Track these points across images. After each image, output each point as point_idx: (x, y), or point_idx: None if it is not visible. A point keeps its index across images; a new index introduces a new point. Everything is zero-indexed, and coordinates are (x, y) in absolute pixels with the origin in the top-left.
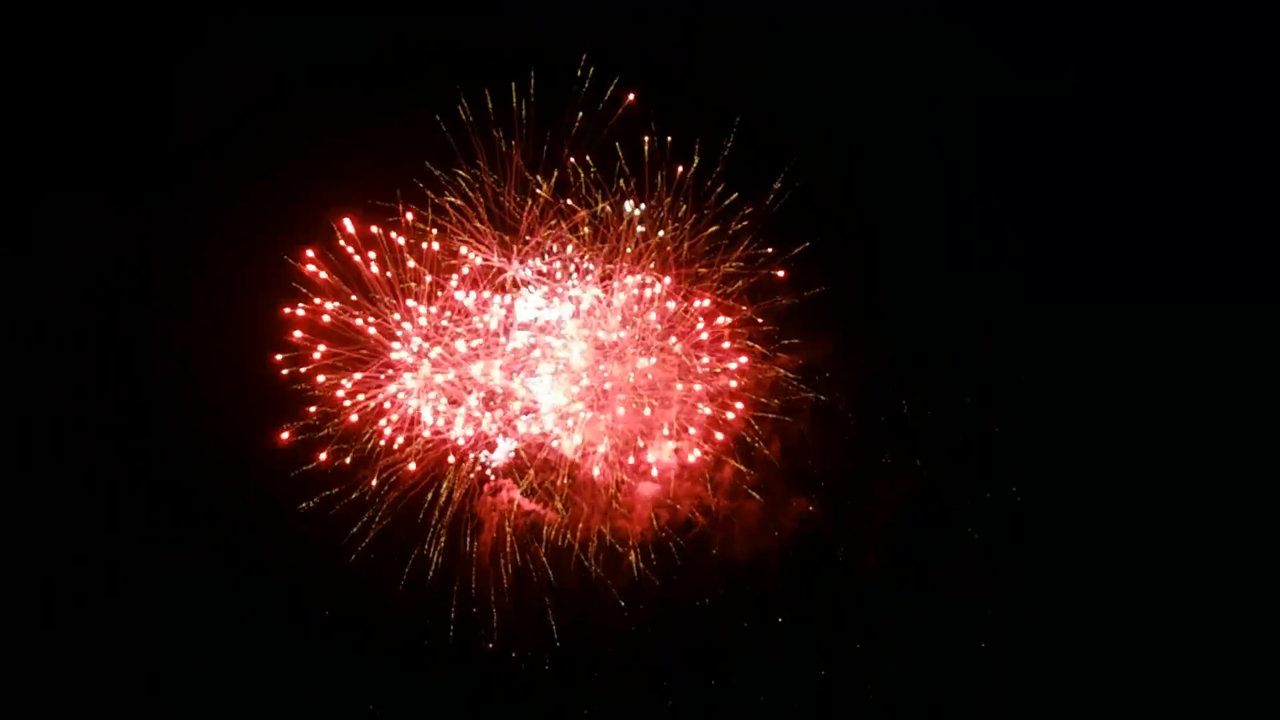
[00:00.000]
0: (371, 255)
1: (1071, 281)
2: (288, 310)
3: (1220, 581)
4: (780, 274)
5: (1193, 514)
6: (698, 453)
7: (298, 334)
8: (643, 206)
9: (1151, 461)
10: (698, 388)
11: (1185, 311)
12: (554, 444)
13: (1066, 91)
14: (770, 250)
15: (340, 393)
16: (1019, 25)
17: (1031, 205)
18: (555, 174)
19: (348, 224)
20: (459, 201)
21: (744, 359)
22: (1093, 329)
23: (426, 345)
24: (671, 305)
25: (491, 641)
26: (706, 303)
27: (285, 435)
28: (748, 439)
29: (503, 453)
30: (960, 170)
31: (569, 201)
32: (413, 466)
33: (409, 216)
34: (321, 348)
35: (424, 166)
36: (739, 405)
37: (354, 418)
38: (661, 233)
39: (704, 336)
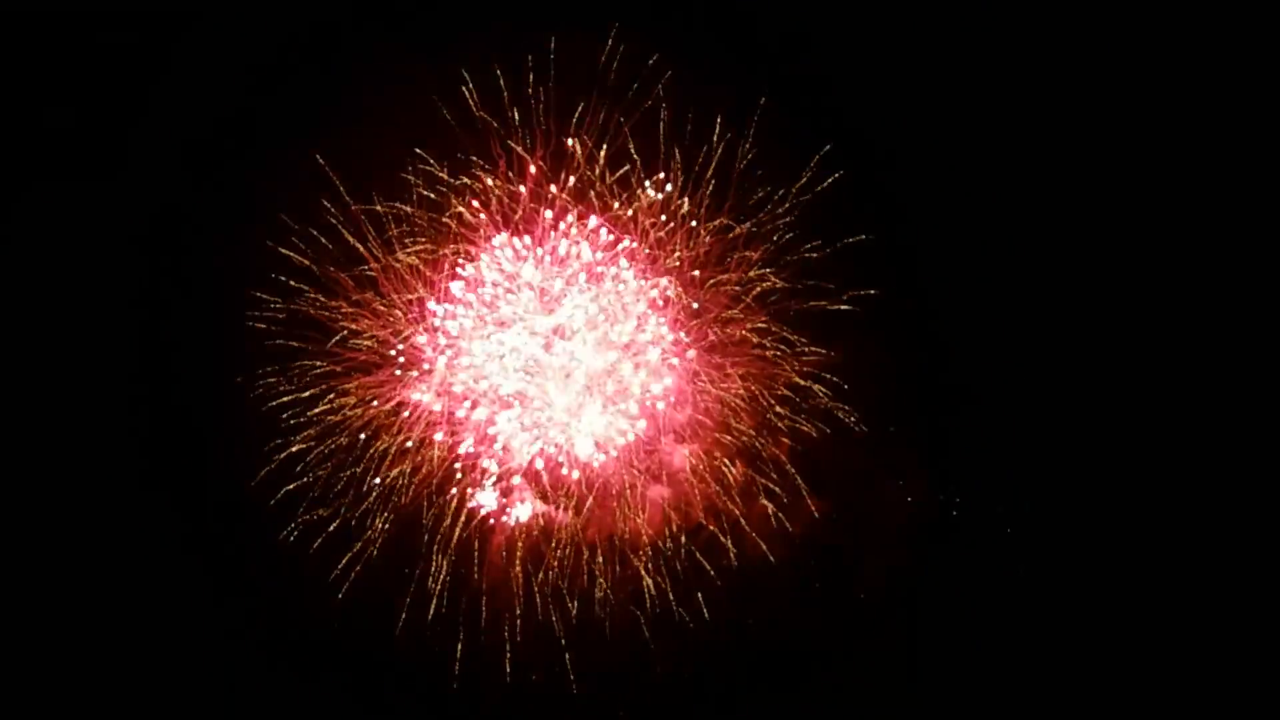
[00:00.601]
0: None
1: (1071, 281)
2: (276, 301)
3: (1222, 582)
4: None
5: (1196, 514)
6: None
7: (297, 336)
8: (667, 188)
9: (1154, 462)
10: (710, 390)
11: (1185, 311)
12: (565, 447)
13: (1067, 91)
14: (789, 257)
15: (352, 398)
16: (1019, 24)
17: (1031, 205)
18: (573, 171)
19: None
20: (471, 206)
21: (756, 362)
22: (1092, 329)
23: (437, 352)
24: (695, 304)
25: (504, 648)
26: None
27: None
28: (758, 443)
29: (515, 455)
30: (961, 170)
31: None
32: (425, 469)
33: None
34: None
35: (426, 163)
36: (750, 409)
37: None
38: (693, 220)
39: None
